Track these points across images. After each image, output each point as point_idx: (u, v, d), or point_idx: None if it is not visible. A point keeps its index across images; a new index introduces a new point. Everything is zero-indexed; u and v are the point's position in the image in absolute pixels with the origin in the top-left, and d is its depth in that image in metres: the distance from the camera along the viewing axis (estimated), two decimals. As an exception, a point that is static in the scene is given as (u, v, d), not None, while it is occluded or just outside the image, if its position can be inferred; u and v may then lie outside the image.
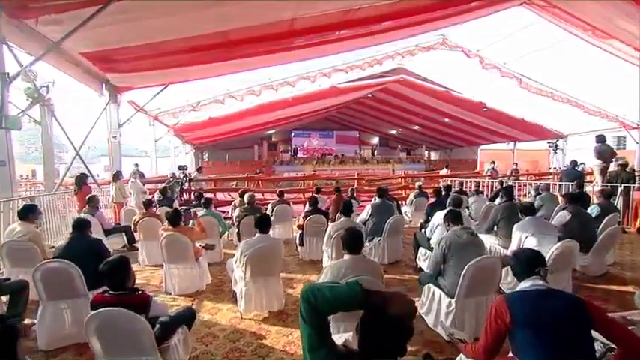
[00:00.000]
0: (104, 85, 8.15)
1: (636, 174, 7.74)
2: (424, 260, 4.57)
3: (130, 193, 8.44)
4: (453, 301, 2.97)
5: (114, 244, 6.15)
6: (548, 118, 14.43)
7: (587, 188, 8.01)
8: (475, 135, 19.00)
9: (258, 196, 10.63)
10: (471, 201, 7.35)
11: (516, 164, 14.63)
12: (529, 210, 4.17)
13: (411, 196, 8.33)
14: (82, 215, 5.81)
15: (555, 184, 8.73)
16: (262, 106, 12.63)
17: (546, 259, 3.50)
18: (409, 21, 7.84)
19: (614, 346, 1.78)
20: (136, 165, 9.88)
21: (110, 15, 4.73)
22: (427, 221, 5.50)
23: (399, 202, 8.82)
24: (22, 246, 3.65)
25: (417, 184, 9.11)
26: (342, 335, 1.96)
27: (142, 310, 2.06)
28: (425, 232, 5.04)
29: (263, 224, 3.49)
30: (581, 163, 10.08)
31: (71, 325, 2.94)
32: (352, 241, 2.58)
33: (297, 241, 5.51)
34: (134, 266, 5.26)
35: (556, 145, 14.98)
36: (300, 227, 5.39)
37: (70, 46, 6.02)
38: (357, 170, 17.18)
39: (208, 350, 2.94)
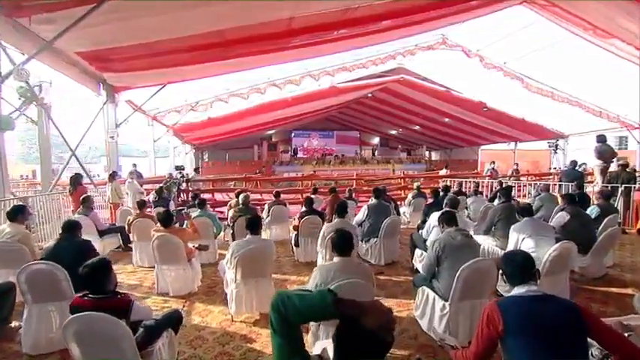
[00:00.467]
0: (101, 84, 8.11)
1: (637, 174, 7.65)
2: (420, 262, 4.49)
3: (127, 194, 8.40)
4: (447, 304, 2.91)
5: (109, 244, 6.10)
6: (548, 118, 14.34)
7: (588, 189, 7.93)
8: (475, 135, 18.92)
9: (256, 196, 10.61)
10: (469, 201, 7.27)
11: (517, 164, 14.54)
12: (526, 211, 4.09)
13: (410, 196, 8.26)
14: (76, 216, 5.78)
15: (555, 185, 8.64)
16: (262, 106, 12.59)
17: (543, 260, 3.45)
18: (408, 20, 7.78)
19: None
20: (134, 165, 9.83)
21: (103, 14, 4.69)
22: (424, 222, 5.42)
23: (398, 202, 8.78)
24: (10, 247, 3.59)
25: (415, 184, 9.03)
26: (324, 342, 1.89)
27: (123, 315, 2.01)
28: (422, 233, 4.97)
29: (254, 225, 3.43)
30: (582, 164, 10.00)
31: (58, 328, 2.87)
32: (341, 244, 2.51)
33: (293, 242, 5.45)
34: (128, 267, 5.35)
35: (556, 145, 14.88)
36: (296, 228, 5.33)
37: (65, 46, 5.99)
38: (357, 170, 17.13)
39: (197, 354, 2.88)
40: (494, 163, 13.54)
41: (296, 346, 1.11)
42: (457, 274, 2.80)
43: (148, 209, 6.43)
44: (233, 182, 12.00)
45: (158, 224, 4.21)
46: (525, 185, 10.61)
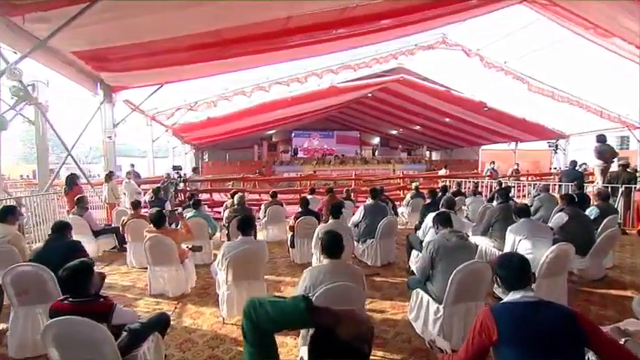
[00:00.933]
0: (98, 84, 8.08)
1: (638, 174, 7.56)
2: (416, 263, 4.44)
3: (124, 194, 8.36)
4: (441, 307, 2.85)
5: (104, 245, 6.07)
6: (549, 118, 14.25)
7: (589, 189, 7.86)
8: (476, 135, 18.84)
9: (254, 196, 10.57)
10: (468, 202, 7.21)
11: (517, 164, 14.46)
12: (523, 212, 4.03)
13: (408, 196, 8.19)
14: (71, 216, 5.75)
15: (555, 185, 8.56)
16: (261, 106, 12.55)
17: (540, 262, 3.38)
18: (407, 20, 7.72)
19: None
20: (132, 165, 9.80)
21: (97, 14, 4.66)
22: (422, 222, 5.36)
23: (397, 202, 8.71)
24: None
25: (413, 184, 8.97)
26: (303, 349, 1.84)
27: (104, 319, 1.95)
28: (419, 233, 4.90)
29: (246, 226, 3.37)
30: (582, 164, 9.91)
31: (44, 331, 2.84)
32: (331, 246, 2.46)
33: (289, 243, 5.39)
34: (122, 268, 5.30)
35: (556, 145, 14.77)
36: (292, 229, 5.28)
37: (61, 45, 5.95)
38: (357, 171, 17.07)
39: (185, 357, 2.83)
40: (494, 163, 13.46)
41: (268, 355, 1.05)
42: (451, 277, 2.74)
43: (145, 209, 6.39)
44: (231, 182, 11.94)
45: (151, 225, 4.15)
46: (525, 185, 10.53)
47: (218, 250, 5.63)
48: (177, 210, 5.35)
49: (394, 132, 23.37)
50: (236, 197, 5.76)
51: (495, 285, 2.00)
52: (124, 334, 2.11)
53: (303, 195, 7.43)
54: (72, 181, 6.78)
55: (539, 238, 3.74)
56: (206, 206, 9.92)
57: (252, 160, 21.41)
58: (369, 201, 5.56)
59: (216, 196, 10.83)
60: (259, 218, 6.89)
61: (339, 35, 7.69)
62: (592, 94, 11.42)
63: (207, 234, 5.45)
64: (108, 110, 8.45)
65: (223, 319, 3.41)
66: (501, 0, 7.70)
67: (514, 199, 7.26)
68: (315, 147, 23.16)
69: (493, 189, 8.52)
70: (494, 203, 5.69)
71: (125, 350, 2.10)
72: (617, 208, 6.35)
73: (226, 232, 5.43)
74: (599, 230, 4.67)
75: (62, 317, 1.83)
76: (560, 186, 8.22)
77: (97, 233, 5.82)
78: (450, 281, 2.74)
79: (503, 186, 8.52)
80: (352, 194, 8.44)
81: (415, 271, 3.22)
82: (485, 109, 14.13)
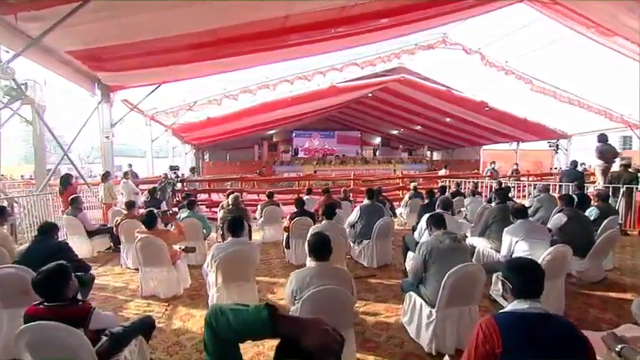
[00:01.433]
0: (96, 84, 8.04)
1: (639, 175, 7.45)
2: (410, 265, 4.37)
3: (122, 194, 8.32)
4: (434, 311, 2.78)
5: (99, 245, 6.04)
6: (551, 118, 14.13)
7: (590, 189, 7.76)
8: (477, 135, 18.72)
9: (253, 196, 10.51)
10: (467, 202, 7.12)
11: (517, 164, 14.34)
12: (521, 212, 3.93)
13: (406, 197, 8.10)
14: (65, 216, 5.71)
15: (556, 185, 8.47)
16: (261, 106, 12.49)
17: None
18: (407, 18, 7.64)
19: None
20: (130, 165, 9.76)
21: (91, 13, 4.61)
22: (418, 223, 5.29)
23: (396, 203, 8.64)
24: (-14, 249, 3.50)
25: (411, 184, 8.88)
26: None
27: (82, 323, 1.90)
28: (415, 234, 4.83)
29: (235, 227, 3.31)
30: (582, 164, 9.79)
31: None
32: (318, 248, 2.40)
33: (284, 244, 5.33)
34: (116, 269, 5.25)
35: (557, 145, 14.64)
36: (287, 229, 5.21)
37: (56, 45, 5.90)
38: (358, 170, 17.00)
39: (172, 361, 2.78)
40: (494, 163, 13.36)
41: None
42: (444, 280, 2.67)
43: (141, 210, 6.34)
44: (229, 182, 11.89)
45: (142, 226, 4.10)
46: (525, 186, 10.43)
47: (212, 251, 5.61)
48: (169, 210, 5.29)
49: (395, 132, 23.27)
50: (230, 197, 5.70)
51: (500, 289, 1.86)
52: (104, 338, 2.05)
53: (301, 195, 7.36)
54: (67, 181, 6.74)
55: (536, 240, 3.66)
56: (204, 206, 9.89)
57: (252, 160, 21.38)
58: (366, 201, 5.49)
59: (215, 197, 10.78)
60: (255, 219, 6.84)
61: (338, 34, 7.62)
62: (594, 94, 11.30)
63: (202, 235, 5.40)
64: (105, 110, 8.40)
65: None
66: (501, -1, 7.62)
67: (514, 199, 7.18)
68: (316, 147, 23.10)
69: (493, 189, 8.42)
70: (493, 204, 5.62)
71: (105, 355, 2.05)
72: (617, 209, 6.25)
73: (221, 232, 5.37)
74: (598, 231, 4.59)
75: (36, 322, 1.77)
76: (560, 186, 8.12)
77: (91, 234, 5.78)
78: (442, 284, 2.68)
79: (502, 186, 8.44)
80: (350, 194, 8.37)
81: (408, 274, 3.15)
82: (487, 108, 14.04)
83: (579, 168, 9.09)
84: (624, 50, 8.10)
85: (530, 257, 3.49)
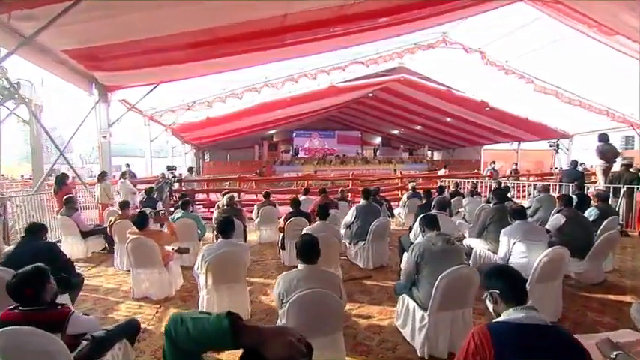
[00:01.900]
0: (94, 84, 8.00)
1: (640, 175, 7.36)
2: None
3: (118, 193, 8.28)
4: (426, 314, 2.72)
5: (93, 245, 5.99)
6: (552, 118, 14.03)
7: (590, 189, 7.67)
8: (478, 135, 18.63)
9: (251, 197, 10.45)
10: (465, 202, 7.05)
11: (516, 164, 14.24)
12: (518, 213, 3.86)
13: (404, 197, 8.03)
14: (59, 216, 5.67)
15: (556, 185, 8.38)
16: (261, 106, 12.43)
17: (534, 267, 3.24)
18: (407, 17, 7.58)
19: None
20: (127, 165, 9.72)
21: (85, 12, 4.58)
22: (415, 224, 5.23)
23: (395, 203, 8.57)
24: (-25, 250, 3.46)
25: (410, 184, 8.81)
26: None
27: (59, 328, 1.84)
28: (410, 235, 4.77)
29: (225, 228, 3.26)
30: (582, 164, 9.70)
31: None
32: (306, 250, 2.34)
33: (279, 245, 5.28)
34: (110, 270, 5.21)
35: (557, 145, 14.53)
36: (281, 230, 5.16)
37: (50, 44, 5.87)
38: (359, 171, 16.94)
39: (158, 365, 2.72)
40: (494, 163, 13.28)
41: None
42: (436, 283, 2.61)
43: (138, 210, 6.30)
44: (228, 182, 11.84)
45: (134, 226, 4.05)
46: (525, 186, 10.34)
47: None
48: (161, 211, 5.24)
49: (396, 132, 23.21)
50: (225, 198, 5.65)
51: (489, 305, 1.77)
52: (84, 342, 1.99)
53: (297, 195, 7.31)
54: (62, 181, 6.71)
55: (534, 241, 3.59)
56: (202, 206, 9.86)
57: (252, 160, 21.38)
58: (362, 202, 5.43)
59: (213, 197, 10.74)
60: (251, 219, 6.79)
61: (337, 33, 7.57)
62: (596, 94, 11.20)
63: (197, 235, 5.34)
64: (103, 110, 8.36)
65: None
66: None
67: (513, 199, 7.10)
68: (316, 147, 23.06)
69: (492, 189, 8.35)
70: (491, 204, 5.55)
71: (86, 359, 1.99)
72: (617, 210, 6.16)
73: (215, 233, 5.31)
74: (598, 232, 4.52)
75: (10, 327, 1.72)
76: (560, 186, 8.03)
77: (86, 234, 5.74)
78: (435, 287, 2.61)
79: (502, 186, 8.36)
80: (348, 195, 8.31)
81: (400, 276, 3.09)
82: (487, 108, 13.95)
83: (579, 168, 8.99)
84: (626, 49, 8.01)
85: (524, 259, 3.46)
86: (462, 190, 8.86)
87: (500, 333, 1.48)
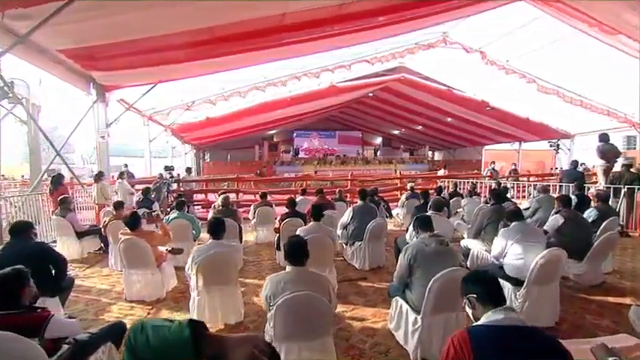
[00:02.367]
0: (91, 84, 7.97)
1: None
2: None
3: (116, 193, 8.25)
4: (419, 317, 2.66)
5: (89, 246, 5.96)
6: (554, 118, 13.94)
7: (591, 190, 7.59)
8: (479, 135, 18.55)
9: (250, 197, 10.40)
10: (464, 203, 6.99)
11: (515, 164, 14.15)
12: (515, 214, 3.80)
13: (403, 197, 7.95)
14: (54, 217, 5.63)
15: (556, 185, 8.30)
16: (261, 106, 12.39)
17: (531, 268, 3.18)
18: (406, 16, 7.53)
19: None
20: (125, 165, 9.69)
21: (80, 11, 4.55)
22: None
23: (394, 204, 8.50)
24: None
25: (408, 184, 8.74)
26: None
27: (37, 332, 1.79)
28: (405, 236, 4.71)
29: (216, 229, 3.21)
30: (582, 164, 9.62)
31: None
32: (294, 252, 2.29)
33: (275, 246, 5.23)
34: (104, 270, 5.17)
35: (557, 145, 14.43)
36: (277, 230, 5.11)
37: (46, 43, 5.84)
38: (359, 171, 16.88)
39: (146, 369, 2.67)
40: (494, 163, 13.20)
41: None
42: (429, 286, 2.55)
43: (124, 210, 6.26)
44: (227, 183, 11.80)
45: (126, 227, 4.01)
46: (525, 186, 10.26)
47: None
48: (155, 211, 5.19)
49: (396, 132, 23.16)
50: (220, 198, 5.61)
51: (468, 311, 1.76)
52: (65, 347, 1.95)
53: (293, 196, 7.24)
54: (57, 181, 6.68)
55: (531, 243, 3.51)
56: (200, 207, 9.81)
57: (253, 160, 21.36)
58: (358, 202, 5.38)
59: (211, 197, 10.69)
60: (248, 219, 6.74)
61: (336, 32, 7.52)
62: (597, 93, 11.12)
63: (192, 236, 5.29)
64: (101, 110, 8.33)
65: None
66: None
67: (512, 200, 7.04)
68: (317, 147, 23.03)
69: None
70: (488, 205, 5.49)
71: (68, 364, 1.95)
72: (617, 210, 6.09)
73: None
74: (597, 233, 4.45)
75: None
76: (560, 187, 7.96)
77: (80, 234, 5.71)
78: (427, 290, 2.56)
79: (501, 187, 8.28)
80: (347, 195, 8.25)
81: (394, 278, 3.04)
82: (488, 108, 13.88)
83: (580, 168, 8.91)
84: (627, 49, 7.93)
85: (520, 260, 3.40)
86: (461, 191, 8.79)
87: (479, 337, 1.47)
